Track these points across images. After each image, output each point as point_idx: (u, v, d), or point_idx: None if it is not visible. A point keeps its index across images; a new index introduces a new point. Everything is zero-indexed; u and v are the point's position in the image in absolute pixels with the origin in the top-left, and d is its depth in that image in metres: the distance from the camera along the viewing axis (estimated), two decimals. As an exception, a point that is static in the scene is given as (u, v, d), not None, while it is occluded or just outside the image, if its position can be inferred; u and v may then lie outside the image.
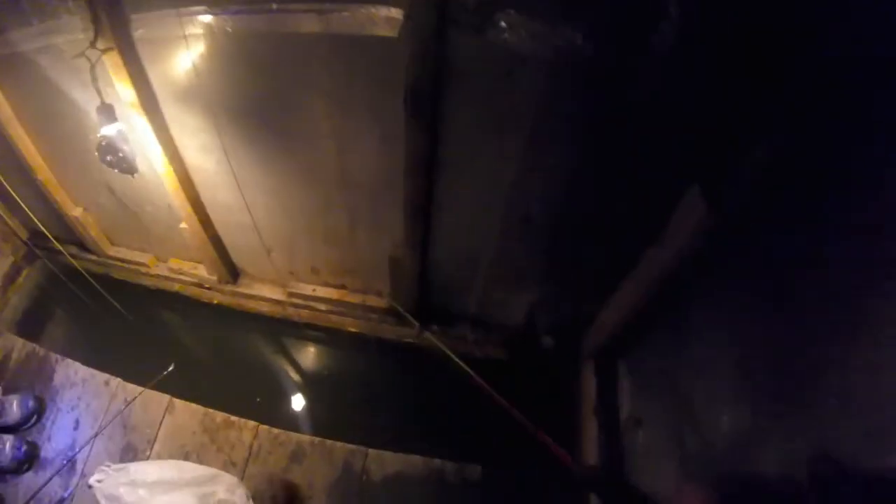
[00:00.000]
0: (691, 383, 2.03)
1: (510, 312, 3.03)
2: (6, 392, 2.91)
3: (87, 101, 2.57)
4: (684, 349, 2.14)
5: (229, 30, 2.05)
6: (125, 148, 2.36)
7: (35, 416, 2.83)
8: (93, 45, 2.18)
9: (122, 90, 2.35)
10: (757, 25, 1.46)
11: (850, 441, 1.20)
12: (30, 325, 3.89)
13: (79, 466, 2.66)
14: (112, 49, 2.20)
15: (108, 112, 2.34)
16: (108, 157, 2.35)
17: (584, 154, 2.05)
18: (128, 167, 2.40)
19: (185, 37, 2.13)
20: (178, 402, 2.81)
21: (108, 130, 2.34)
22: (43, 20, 2.34)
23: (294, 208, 2.82)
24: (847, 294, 1.31)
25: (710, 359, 1.96)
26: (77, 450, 2.70)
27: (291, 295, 3.40)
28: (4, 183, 3.18)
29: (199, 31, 2.11)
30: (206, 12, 2.04)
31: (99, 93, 2.31)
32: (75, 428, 2.80)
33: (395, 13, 1.78)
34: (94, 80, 2.27)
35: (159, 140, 2.56)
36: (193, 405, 2.79)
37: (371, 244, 2.86)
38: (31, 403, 2.81)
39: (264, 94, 2.28)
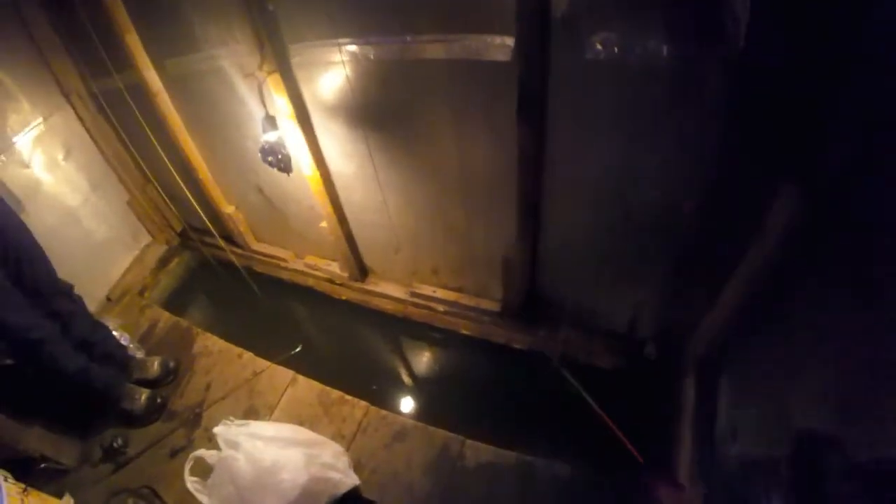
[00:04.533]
0: (787, 386, 2.25)
1: (615, 317, 3.43)
2: (149, 354, 3.85)
3: (246, 112, 3.49)
4: (784, 351, 2.36)
5: (371, 57, 2.78)
6: (283, 151, 3.24)
7: (172, 376, 3.71)
8: (260, 68, 3.05)
9: (281, 104, 3.16)
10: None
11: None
12: (177, 303, 4.91)
13: (203, 421, 3.42)
14: (275, 72, 3.04)
15: (271, 121, 3.21)
16: (269, 158, 3.23)
17: (677, 150, 2.46)
18: (285, 167, 3.27)
19: (333, 62, 2.91)
20: (300, 377, 3.56)
21: (271, 137, 3.22)
22: (213, 46, 3.27)
23: (420, 205, 3.46)
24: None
25: (807, 360, 2.16)
26: (204, 407, 3.50)
27: (413, 294, 4.05)
28: (176, 178, 4.20)
29: (345, 58, 2.85)
30: (351, 43, 2.79)
31: (264, 106, 3.22)
32: (206, 389, 3.61)
33: (508, 40, 2.39)
34: (261, 95, 3.17)
35: (308, 146, 3.35)
36: (314, 382, 3.53)
37: (487, 242, 3.41)
38: (170, 364, 3.69)
39: (397, 107, 2.99)
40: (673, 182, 2.61)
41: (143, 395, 3.50)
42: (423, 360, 4.43)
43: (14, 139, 3.85)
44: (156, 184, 4.71)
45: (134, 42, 3.55)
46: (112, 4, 3.36)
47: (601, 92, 2.44)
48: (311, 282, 4.65)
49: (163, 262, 5.06)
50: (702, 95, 2.27)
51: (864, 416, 1.72)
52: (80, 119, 4.25)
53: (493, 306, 3.84)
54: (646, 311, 3.32)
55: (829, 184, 2.06)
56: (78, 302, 3.50)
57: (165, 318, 4.20)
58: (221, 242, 4.74)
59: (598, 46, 2.29)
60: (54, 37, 3.85)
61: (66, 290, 3.40)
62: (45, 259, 3.20)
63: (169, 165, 4.18)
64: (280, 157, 3.26)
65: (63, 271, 3.37)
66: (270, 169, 3.49)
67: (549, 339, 3.70)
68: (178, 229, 5.15)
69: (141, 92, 3.78)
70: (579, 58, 2.34)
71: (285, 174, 3.50)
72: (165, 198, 4.82)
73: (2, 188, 3.65)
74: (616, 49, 2.28)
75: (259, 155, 3.32)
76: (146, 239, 5.05)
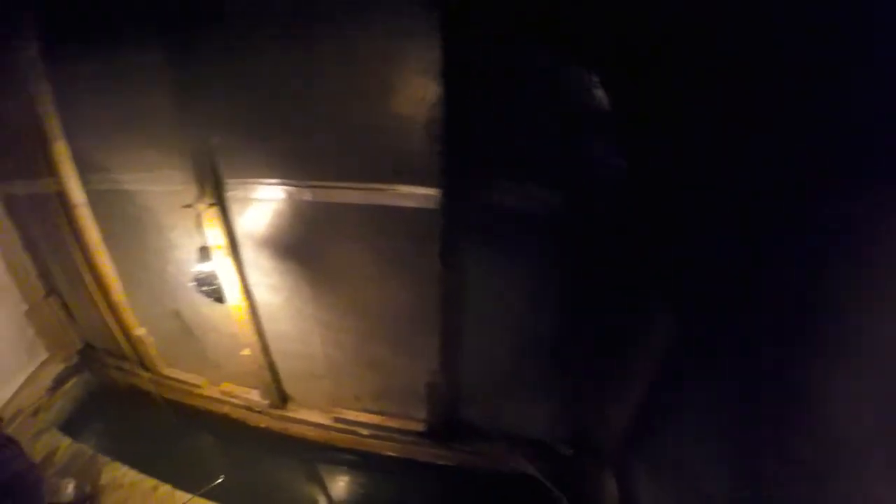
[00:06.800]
0: (694, 463, 2.81)
1: (533, 427, 3.87)
2: (51, 483, 3.60)
3: (170, 238, 3.76)
4: (686, 434, 2.92)
5: (306, 198, 3.20)
6: (216, 282, 3.57)
7: (88, 503, 3.60)
8: (199, 199, 3.38)
9: (215, 236, 3.49)
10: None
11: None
12: (77, 428, 4.67)
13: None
14: (214, 205, 3.37)
15: (206, 252, 3.52)
16: (204, 288, 3.53)
17: (572, 285, 3.06)
18: (219, 297, 3.58)
19: (267, 200, 3.30)
20: (225, 511, 3.57)
21: (205, 267, 3.54)
22: (147, 169, 3.53)
23: (345, 337, 3.81)
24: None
25: (706, 437, 2.72)
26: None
27: (336, 420, 4.29)
28: (83, 294, 4.27)
29: (279, 196, 3.25)
30: (287, 184, 3.20)
31: (201, 236, 3.51)
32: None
33: (432, 191, 2.90)
34: (200, 226, 3.46)
35: (238, 277, 3.65)
36: (239, 514, 3.57)
37: (409, 371, 3.77)
38: (87, 488, 3.62)
39: (324, 246, 3.40)
40: (568, 308, 3.20)
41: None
42: (350, 486, 4.61)
43: None
44: (59, 296, 4.72)
45: (61, 151, 3.66)
46: (44, 112, 3.51)
47: (507, 236, 3.02)
48: (226, 409, 4.76)
49: (59, 382, 4.89)
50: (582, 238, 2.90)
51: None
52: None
53: (417, 426, 4.16)
54: (559, 419, 3.82)
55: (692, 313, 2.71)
56: None
57: (66, 444, 4.05)
58: (129, 365, 4.76)
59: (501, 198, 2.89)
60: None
61: None
62: None
63: (78, 280, 4.27)
64: (214, 287, 3.57)
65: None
66: (192, 295, 3.74)
67: (474, 454, 4.08)
68: (79, 347, 5.06)
69: (59, 202, 3.88)
70: (488, 206, 2.91)
71: (210, 302, 3.78)
72: (68, 311, 4.82)
73: None
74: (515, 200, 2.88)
75: (192, 284, 3.60)
76: (42, 355, 4.91)
